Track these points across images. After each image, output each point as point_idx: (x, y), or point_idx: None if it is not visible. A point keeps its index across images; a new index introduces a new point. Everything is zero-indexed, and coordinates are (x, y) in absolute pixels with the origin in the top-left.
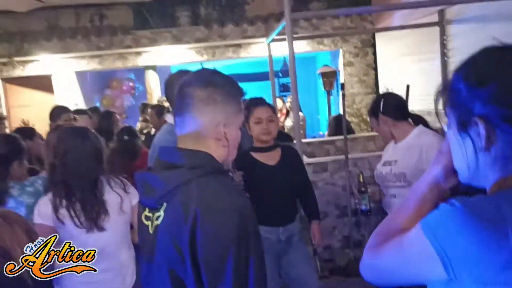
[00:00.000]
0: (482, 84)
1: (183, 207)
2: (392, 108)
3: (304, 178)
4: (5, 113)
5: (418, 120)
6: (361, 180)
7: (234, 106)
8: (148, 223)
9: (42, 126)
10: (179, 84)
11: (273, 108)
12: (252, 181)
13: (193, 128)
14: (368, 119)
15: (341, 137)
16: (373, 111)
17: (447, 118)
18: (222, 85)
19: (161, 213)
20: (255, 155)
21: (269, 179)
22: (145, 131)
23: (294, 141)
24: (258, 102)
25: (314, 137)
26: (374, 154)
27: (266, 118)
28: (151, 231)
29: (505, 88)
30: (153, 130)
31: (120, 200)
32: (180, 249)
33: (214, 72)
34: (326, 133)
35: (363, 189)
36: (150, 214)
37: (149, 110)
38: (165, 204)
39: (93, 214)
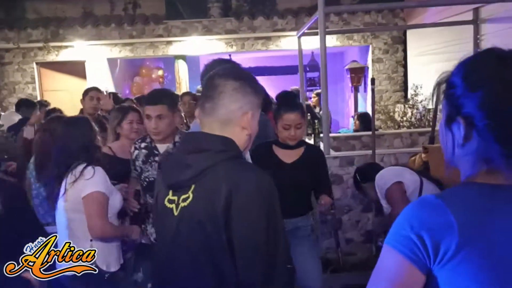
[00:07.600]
0: (473, 89)
1: (215, 188)
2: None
3: (323, 178)
4: (39, 97)
5: None
6: None
7: (259, 101)
8: (172, 206)
9: (74, 111)
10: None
11: (302, 112)
12: None
13: (223, 114)
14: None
15: (367, 133)
16: (357, 185)
17: (441, 108)
18: (251, 80)
19: (189, 194)
20: (276, 149)
21: (279, 177)
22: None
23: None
24: (289, 103)
25: (339, 132)
26: (401, 150)
27: (295, 126)
28: (175, 213)
29: (491, 98)
30: None
31: None
32: (213, 227)
33: (243, 69)
34: (353, 128)
35: None
36: (174, 197)
37: (185, 97)
38: (193, 186)
39: None
